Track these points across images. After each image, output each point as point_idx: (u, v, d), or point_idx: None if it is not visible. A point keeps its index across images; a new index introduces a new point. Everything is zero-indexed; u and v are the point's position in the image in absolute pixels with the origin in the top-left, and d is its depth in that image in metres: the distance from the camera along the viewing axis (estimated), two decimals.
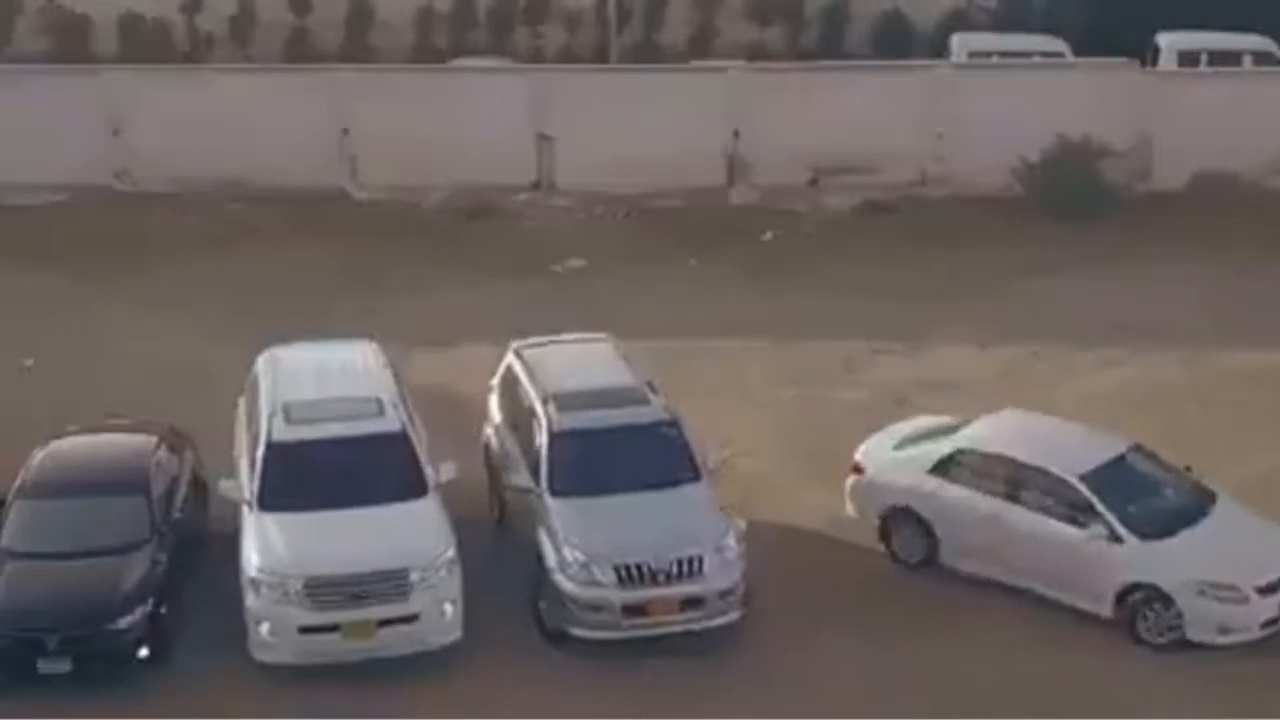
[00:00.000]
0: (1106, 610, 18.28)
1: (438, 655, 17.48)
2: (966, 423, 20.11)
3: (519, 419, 19.82)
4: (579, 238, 30.93)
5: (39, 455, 19.12)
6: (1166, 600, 17.93)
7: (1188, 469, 19.49)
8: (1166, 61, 35.32)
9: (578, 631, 17.83)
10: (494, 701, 17.01)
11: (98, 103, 32.61)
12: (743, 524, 18.48)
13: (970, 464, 19.33)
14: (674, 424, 19.20)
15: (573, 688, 17.38)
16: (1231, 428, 22.46)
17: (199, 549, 18.99)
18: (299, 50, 40.37)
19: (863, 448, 20.46)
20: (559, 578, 17.79)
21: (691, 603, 17.80)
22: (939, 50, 37.79)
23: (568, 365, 20.28)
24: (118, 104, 32.65)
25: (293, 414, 18.82)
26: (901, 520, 19.66)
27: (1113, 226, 30.18)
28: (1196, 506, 18.89)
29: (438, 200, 32.37)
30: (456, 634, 17.63)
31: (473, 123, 31.96)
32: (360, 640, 17.25)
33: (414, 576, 17.33)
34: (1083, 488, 18.51)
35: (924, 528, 19.49)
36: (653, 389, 19.66)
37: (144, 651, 17.28)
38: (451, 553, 17.64)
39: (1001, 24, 39.69)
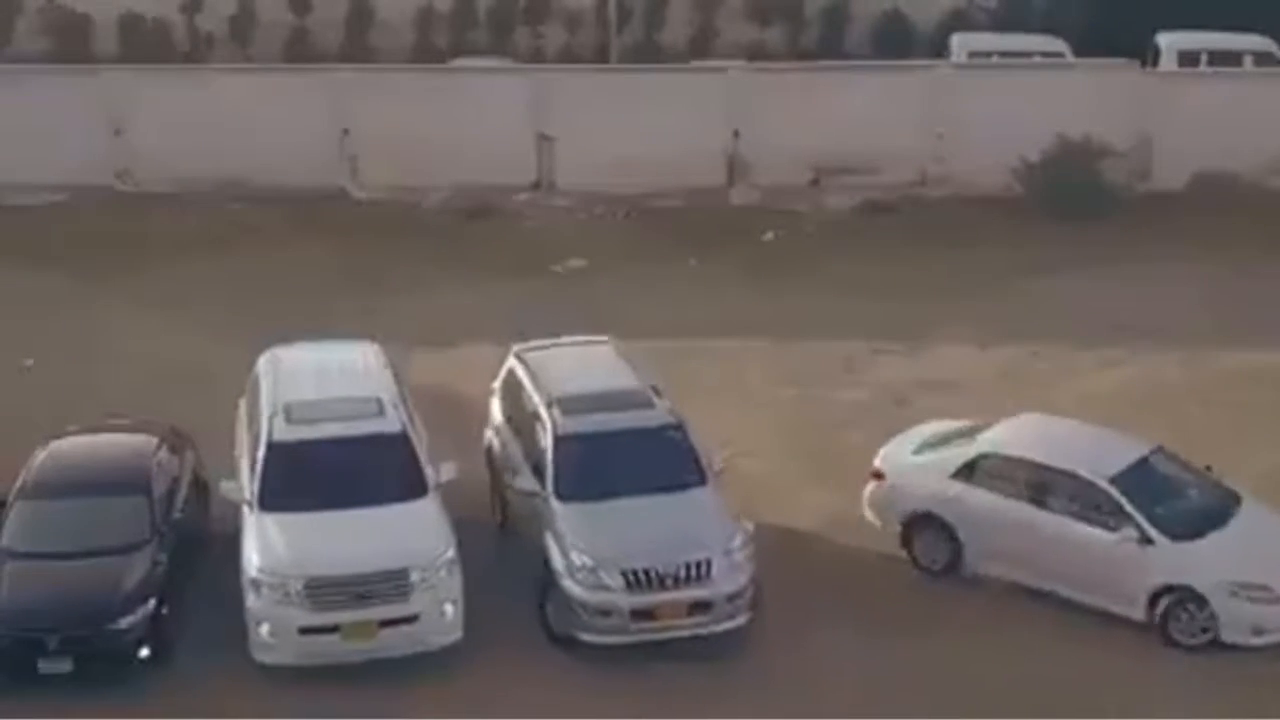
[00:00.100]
0: (1138, 613, 18.19)
1: (439, 656, 17.47)
2: (985, 427, 19.95)
3: (522, 422, 19.76)
4: (579, 238, 30.95)
5: (40, 455, 19.11)
6: (1200, 602, 17.86)
7: (1209, 469, 19.43)
8: (1166, 62, 35.34)
9: (585, 636, 17.73)
10: (495, 702, 17.01)
11: (98, 103, 32.64)
12: (750, 527, 18.38)
13: (995, 468, 19.17)
14: (679, 427, 19.13)
15: (575, 688, 17.36)
16: (1232, 428, 22.45)
17: (200, 549, 18.99)
18: (299, 50, 40.40)
19: (881, 453, 20.25)
20: (566, 582, 17.71)
21: (700, 607, 17.70)
22: (939, 50, 37.82)
23: (571, 368, 20.20)
24: (118, 104, 32.68)
25: (293, 414, 18.82)
26: (924, 526, 19.49)
27: (1113, 226, 30.19)
28: (1223, 507, 18.82)
29: (438, 200, 32.38)
30: (457, 634, 17.61)
31: (473, 123, 31.98)
32: (361, 641, 17.24)
33: (414, 577, 17.32)
34: (1112, 490, 18.39)
35: (947, 533, 19.31)
36: (656, 392, 19.59)
37: (145, 652, 17.27)
38: (452, 553, 17.63)
39: (1001, 24, 39.73)
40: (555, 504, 18.28)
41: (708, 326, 25.92)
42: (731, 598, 17.80)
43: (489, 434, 20.77)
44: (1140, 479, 18.70)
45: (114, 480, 18.60)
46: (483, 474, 20.44)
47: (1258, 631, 17.90)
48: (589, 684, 17.44)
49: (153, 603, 17.39)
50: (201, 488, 19.76)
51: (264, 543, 17.60)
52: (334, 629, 17.17)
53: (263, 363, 20.49)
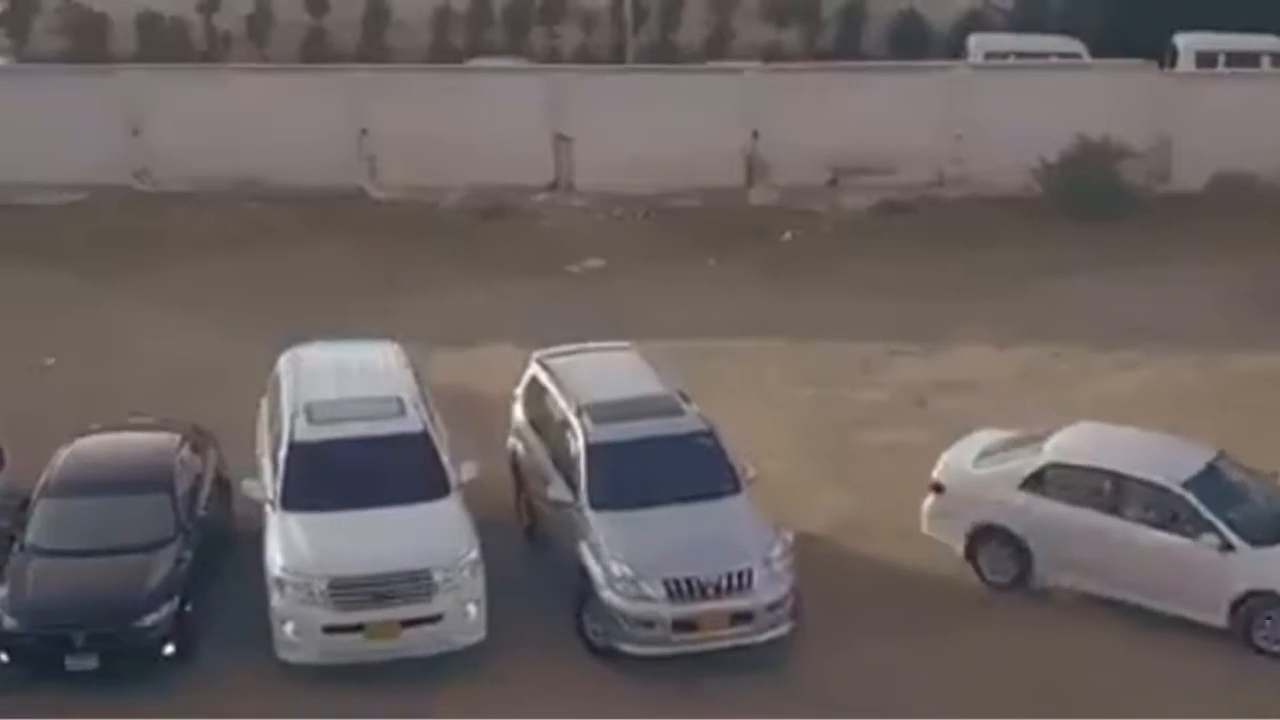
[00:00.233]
0: (1221, 620, 18.08)
1: (462, 657, 17.49)
2: (1046, 436, 19.61)
3: (549, 430, 19.62)
4: (597, 238, 30.97)
5: (63, 454, 19.18)
6: None
7: (1275, 475, 19.30)
8: (1184, 63, 35.33)
9: (626, 647, 17.54)
10: (519, 704, 17.01)
11: (116, 102, 32.74)
12: (790, 537, 18.20)
13: (1064, 478, 18.95)
14: (711, 434, 18.98)
15: (604, 694, 17.31)
16: (1249, 430, 22.37)
17: (223, 547, 19.06)
18: (316, 50, 40.53)
19: (940, 466, 19.93)
20: (606, 593, 17.50)
21: (741, 617, 17.53)
22: (956, 51, 37.83)
23: (596, 375, 20.04)
24: (136, 103, 32.77)
25: (315, 414, 18.86)
26: (990, 538, 19.26)
27: (1131, 227, 30.17)
28: None
29: (455, 200, 32.42)
30: (480, 634, 17.63)
31: (490, 123, 32.00)
32: (384, 640, 17.28)
33: (437, 577, 17.35)
34: (1189, 496, 18.30)
35: (1015, 545, 19.11)
36: (684, 398, 19.47)
37: (170, 649, 17.35)
38: (474, 553, 17.65)
39: (1018, 25, 39.76)
40: (590, 513, 18.09)
41: (726, 326, 25.92)
42: (772, 607, 17.63)
43: (512, 440, 20.63)
44: (1212, 484, 18.57)
45: (137, 478, 18.68)
46: (505, 475, 20.44)
47: None
48: (624, 691, 17.36)
49: (177, 600, 17.47)
50: (224, 486, 19.82)
51: (287, 542, 17.64)
52: (357, 628, 17.21)
53: (284, 362, 20.54)
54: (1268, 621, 17.92)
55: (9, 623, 17.20)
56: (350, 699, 16.98)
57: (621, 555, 17.61)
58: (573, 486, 18.45)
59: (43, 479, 18.76)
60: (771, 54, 39.11)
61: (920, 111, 32.45)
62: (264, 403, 20.42)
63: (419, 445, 18.65)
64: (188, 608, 17.56)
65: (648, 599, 17.41)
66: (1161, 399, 23.53)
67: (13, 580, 17.57)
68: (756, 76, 34.20)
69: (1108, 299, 27.28)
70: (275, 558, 17.55)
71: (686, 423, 19.07)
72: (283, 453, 18.48)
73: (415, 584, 17.30)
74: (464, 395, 22.30)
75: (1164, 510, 18.42)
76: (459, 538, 17.79)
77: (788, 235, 31.22)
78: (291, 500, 18.06)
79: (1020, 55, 36.44)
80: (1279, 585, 17.83)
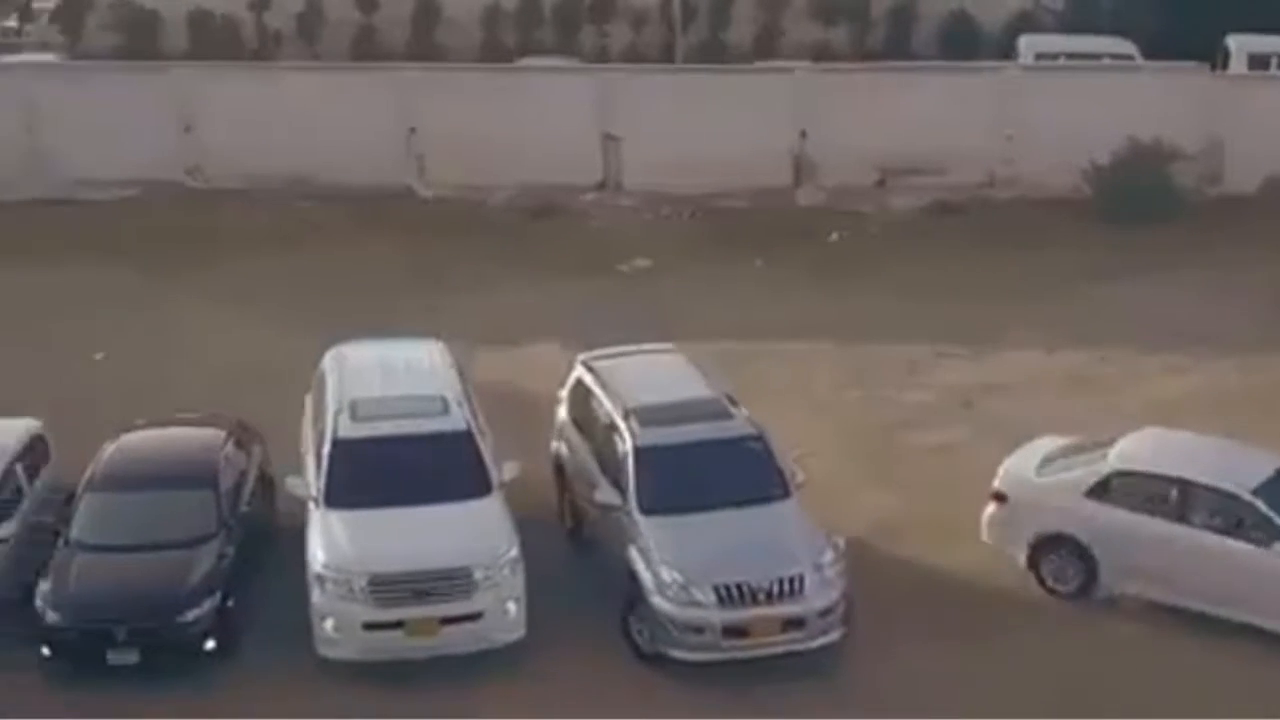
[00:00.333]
0: None
1: (502, 656, 17.48)
2: (1109, 443, 19.38)
3: (595, 433, 19.53)
4: (645, 238, 30.98)
5: (108, 448, 19.26)
6: None
7: None
8: (1236, 64, 35.09)
9: (675, 653, 17.39)
10: (558, 703, 16.97)
11: (168, 99, 33.00)
12: (841, 542, 18.06)
13: (1131, 485, 18.75)
14: (760, 438, 18.83)
15: (641, 691, 17.28)
16: None
17: (266, 543, 19.13)
18: (366, 48, 40.73)
19: (1001, 474, 19.67)
20: (656, 599, 17.34)
21: (793, 623, 17.37)
22: (1006, 52, 37.69)
23: (643, 378, 19.91)
24: (188, 101, 33.00)
25: (358, 411, 18.89)
26: (1055, 547, 19.05)
27: (1182, 230, 29.98)
28: None
29: (503, 199, 32.49)
30: (520, 632, 17.64)
31: (539, 122, 32.10)
32: (424, 638, 17.30)
33: (477, 575, 17.35)
34: (1258, 503, 18.11)
35: (1080, 553, 18.92)
36: (732, 401, 19.35)
37: (211, 644, 17.41)
38: (515, 551, 17.64)
39: (1068, 26, 39.58)
40: (639, 517, 17.97)
41: (773, 328, 25.86)
42: (824, 613, 17.48)
43: (556, 443, 20.57)
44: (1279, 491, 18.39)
45: (182, 474, 18.75)
46: (547, 475, 20.42)
47: None
48: (672, 696, 17.24)
49: (219, 596, 17.53)
50: (268, 482, 19.88)
51: (329, 539, 17.68)
52: (398, 625, 17.23)
53: (328, 360, 20.60)
54: None
55: (51, 617, 17.28)
56: (389, 696, 17.02)
57: (671, 560, 17.48)
58: (620, 490, 18.36)
59: (87, 474, 18.85)
60: (820, 53, 39.10)
61: (970, 112, 32.35)
62: (309, 400, 20.48)
63: (461, 444, 18.65)
64: (229, 603, 17.63)
65: (698, 604, 17.27)
66: (1210, 403, 23.31)
67: (56, 575, 17.64)
68: (807, 76, 34.16)
69: (1156, 302, 27.06)
70: (316, 554, 17.58)
71: (735, 426, 18.93)
72: (326, 449, 18.53)
73: (455, 581, 17.31)
74: (508, 394, 22.30)
75: (1232, 517, 18.22)
76: (499, 536, 17.80)
77: (835, 236, 31.15)
78: (334, 497, 18.09)
79: (1071, 56, 36.23)
80: None
